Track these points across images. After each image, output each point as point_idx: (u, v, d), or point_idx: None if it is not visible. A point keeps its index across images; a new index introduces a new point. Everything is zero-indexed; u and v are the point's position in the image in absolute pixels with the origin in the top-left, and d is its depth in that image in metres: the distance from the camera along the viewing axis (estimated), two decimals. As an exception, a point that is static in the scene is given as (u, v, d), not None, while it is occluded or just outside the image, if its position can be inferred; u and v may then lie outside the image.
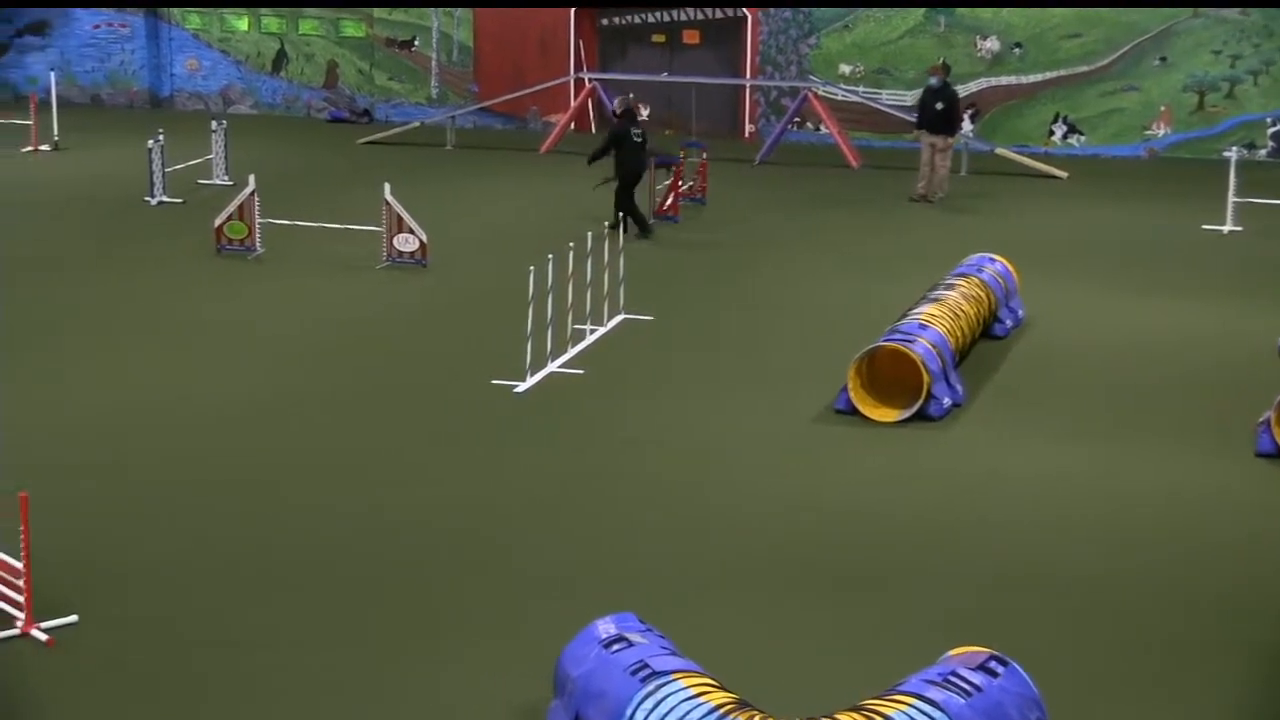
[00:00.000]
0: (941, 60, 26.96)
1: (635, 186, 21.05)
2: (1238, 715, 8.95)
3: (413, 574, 10.67)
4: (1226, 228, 22.34)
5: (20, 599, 9.60)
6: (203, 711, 8.84)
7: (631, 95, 23.43)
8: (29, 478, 11.22)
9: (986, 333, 16.33)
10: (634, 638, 8.24)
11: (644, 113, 30.19)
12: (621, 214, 20.84)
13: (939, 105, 23.94)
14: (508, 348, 15.17)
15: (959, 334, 14.94)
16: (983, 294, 16.10)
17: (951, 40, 28.93)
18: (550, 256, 15.43)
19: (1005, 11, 28.67)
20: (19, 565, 9.55)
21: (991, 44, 28.92)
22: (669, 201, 22.37)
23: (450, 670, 9.33)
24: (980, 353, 15.93)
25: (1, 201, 22.94)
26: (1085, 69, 28.63)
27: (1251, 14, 27.85)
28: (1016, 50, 28.84)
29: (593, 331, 16.29)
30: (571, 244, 16.46)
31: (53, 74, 29.64)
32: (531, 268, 14.91)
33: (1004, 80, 28.96)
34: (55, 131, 27.26)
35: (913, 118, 27.22)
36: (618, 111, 21.99)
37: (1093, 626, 10.05)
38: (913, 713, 7.52)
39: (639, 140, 21.03)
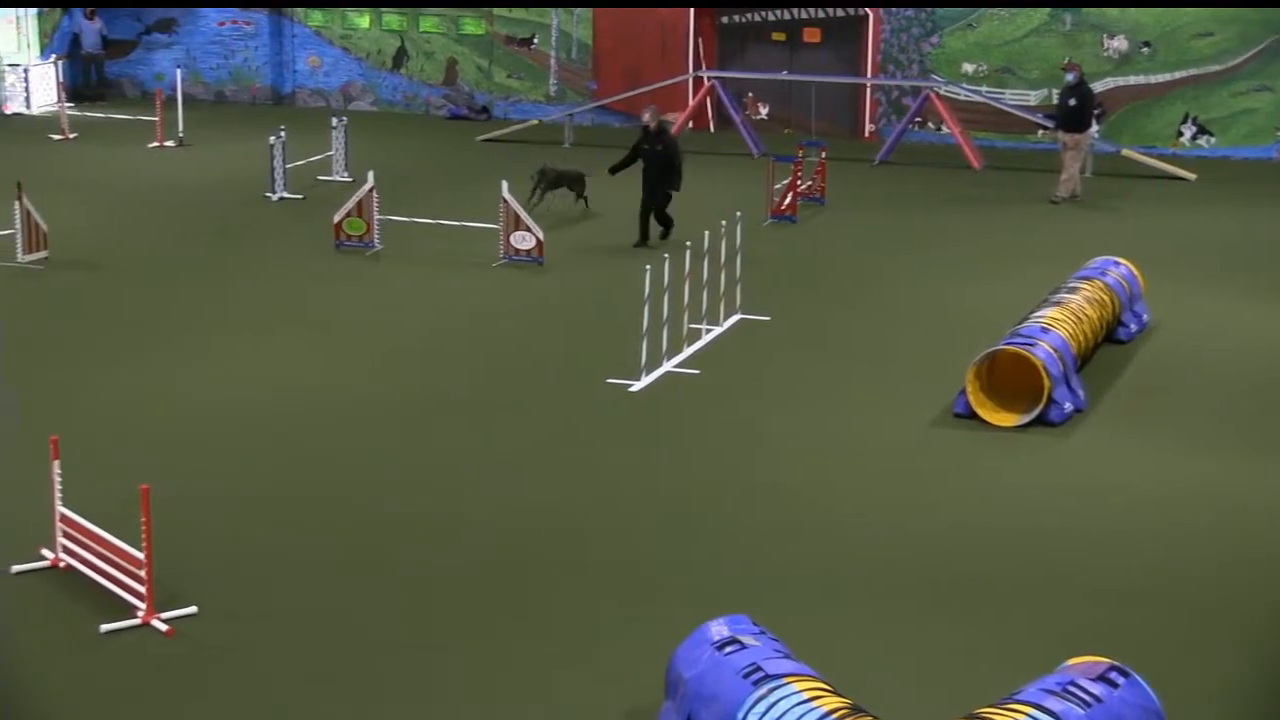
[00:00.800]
0: (1067, 59, 26.65)
1: (652, 199, 20.57)
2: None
3: (527, 573, 10.73)
4: (1361, 232, 21.87)
5: (142, 589, 9.78)
6: (320, 704, 8.95)
7: (655, 108, 21.87)
8: (151, 470, 11.42)
9: (1110, 337, 16.12)
10: (747, 640, 8.23)
11: (762, 111, 30.09)
12: (650, 225, 20.55)
13: (1071, 101, 23.68)
14: (623, 347, 15.21)
15: (1081, 338, 14.77)
16: (1106, 298, 15.90)
17: (1078, 39, 28.57)
18: (666, 256, 15.45)
19: (1133, 10, 28.26)
20: (141, 556, 9.73)
21: (1119, 43, 28.52)
22: (787, 201, 22.30)
23: (564, 671, 9.38)
24: (1103, 357, 15.73)
25: (127, 197, 23.36)
26: (1216, 68, 28.14)
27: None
28: (1145, 49, 28.41)
29: (709, 331, 16.29)
30: (688, 243, 16.47)
31: (179, 71, 30.15)
32: (648, 266, 14.94)
33: (1131, 80, 28.55)
34: (180, 128, 27.70)
35: (1040, 118, 26.96)
36: (650, 126, 20.88)
37: (1215, 638, 9.89)
38: (1030, 723, 7.45)
39: (654, 152, 20.44)
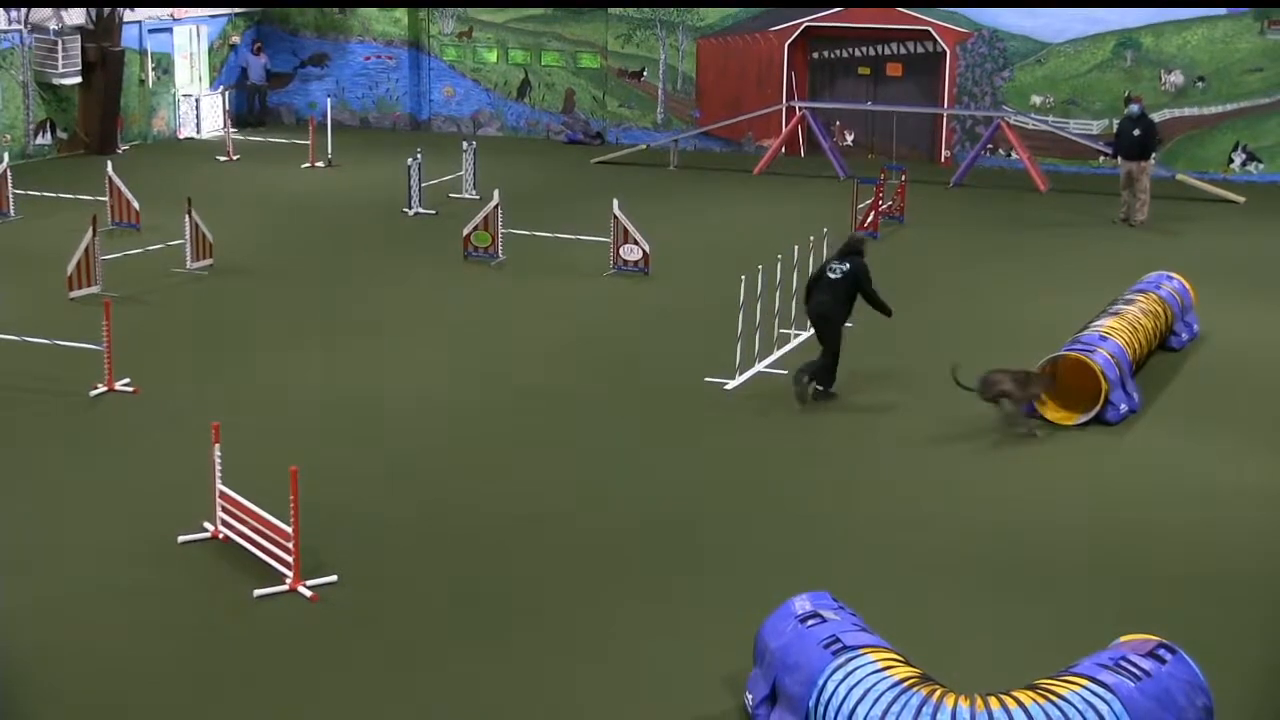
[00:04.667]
0: (1127, 93, 26.28)
1: (817, 334, 14.52)
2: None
3: (632, 551, 10.75)
4: (1399, 251, 21.36)
5: (289, 559, 9.90)
6: (444, 667, 9.02)
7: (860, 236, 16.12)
8: (300, 453, 11.56)
9: (1163, 345, 15.87)
10: (828, 614, 8.19)
11: (848, 138, 29.93)
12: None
13: (1136, 132, 23.30)
14: (719, 348, 15.18)
15: (1137, 346, 14.55)
16: (1160, 309, 15.65)
17: (1138, 74, 28.13)
18: (759, 267, 15.40)
19: (1190, 46, 27.76)
20: (289, 529, 9.85)
21: (1176, 78, 28.04)
22: (869, 219, 22.16)
23: (664, 639, 9.38)
24: (1156, 363, 15.48)
25: (283, 211, 23.65)
26: (1266, 101, 27.59)
27: None
28: (1199, 84, 27.93)
29: (796, 336, 16.21)
30: (779, 256, 16.41)
31: (329, 100, 30.50)
32: (743, 276, 14.90)
33: (1187, 111, 28.06)
34: (330, 150, 28.01)
35: (1101, 145, 26.58)
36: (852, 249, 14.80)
37: (1258, 621, 9.71)
38: (1085, 694, 7.35)
39: (834, 277, 14.31)
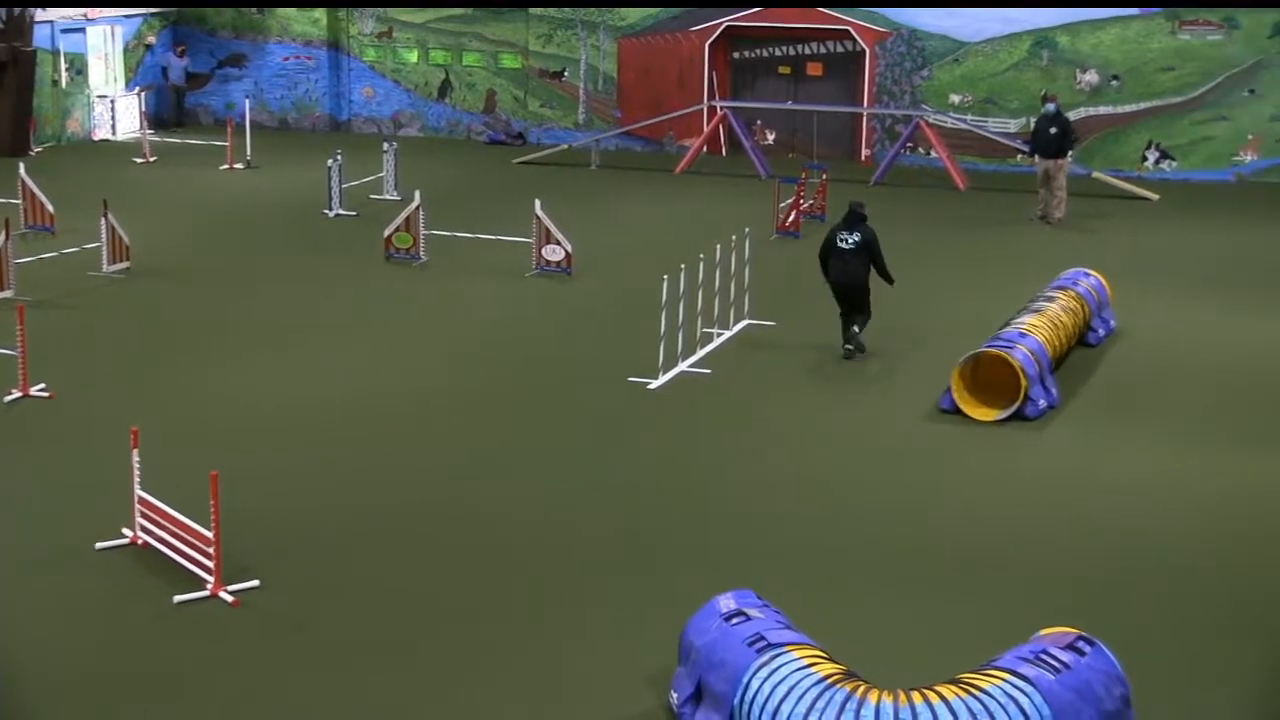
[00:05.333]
0: (1043, 92, 26.63)
1: (844, 300, 15.53)
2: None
3: (555, 551, 10.73)
4: (1309, 247, 21.78)
5: (210, 564, 9.80)
6: (367, 669, 8.96)
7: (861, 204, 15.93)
8: (220, 458, 11.45)
9: (1081, 341, 16.06)
10: (752, 612, 8.22)
11: (769, 137, 30.05)
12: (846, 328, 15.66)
13: (1052, 130, 23.56)
14: (643, 348, 15.19)
15: (1056, 342, 14.72)
16: (1078, 305, 15.85)
17: (1054, 74, 28.46)
18: (682, 266, 15.43)
19: (1104, 46, 28.13)
20: (210, 535, 9.75)
21: (1091, 77, 28.40)
22: (791, 218, 22.27)
23: (588, 639, 9.38)
24: (1074, 359, 15.67)
25: (201, 214, 23.40)
26: (1178, 100, 28.02)
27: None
28: (1114, 83, 28.31)
29: (719, 335, 16.26)
30: (701, 255, 16.45)
31: (247, 101, 30.21)
32: (665, 276, 14.93)
33: (1102, 110, 28.43)
34: (249, 152, 27.75)
35: (1019, 144, 26.86)
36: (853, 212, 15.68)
37: (1173, 611, 9.85)
38: (1007, 687, 7.43)
39: (846, 247, 15.32)
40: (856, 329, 15.46)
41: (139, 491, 10.47)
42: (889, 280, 15.61)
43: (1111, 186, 26.05)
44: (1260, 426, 13.64)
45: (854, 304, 15.44)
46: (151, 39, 32.13)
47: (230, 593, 9.77)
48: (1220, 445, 13.10)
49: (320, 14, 32.40)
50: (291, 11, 32.62)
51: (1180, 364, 15.70)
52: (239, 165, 27.54)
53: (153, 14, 32.02)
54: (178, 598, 9.72)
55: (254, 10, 32.62)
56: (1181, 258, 21.17)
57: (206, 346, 15.83)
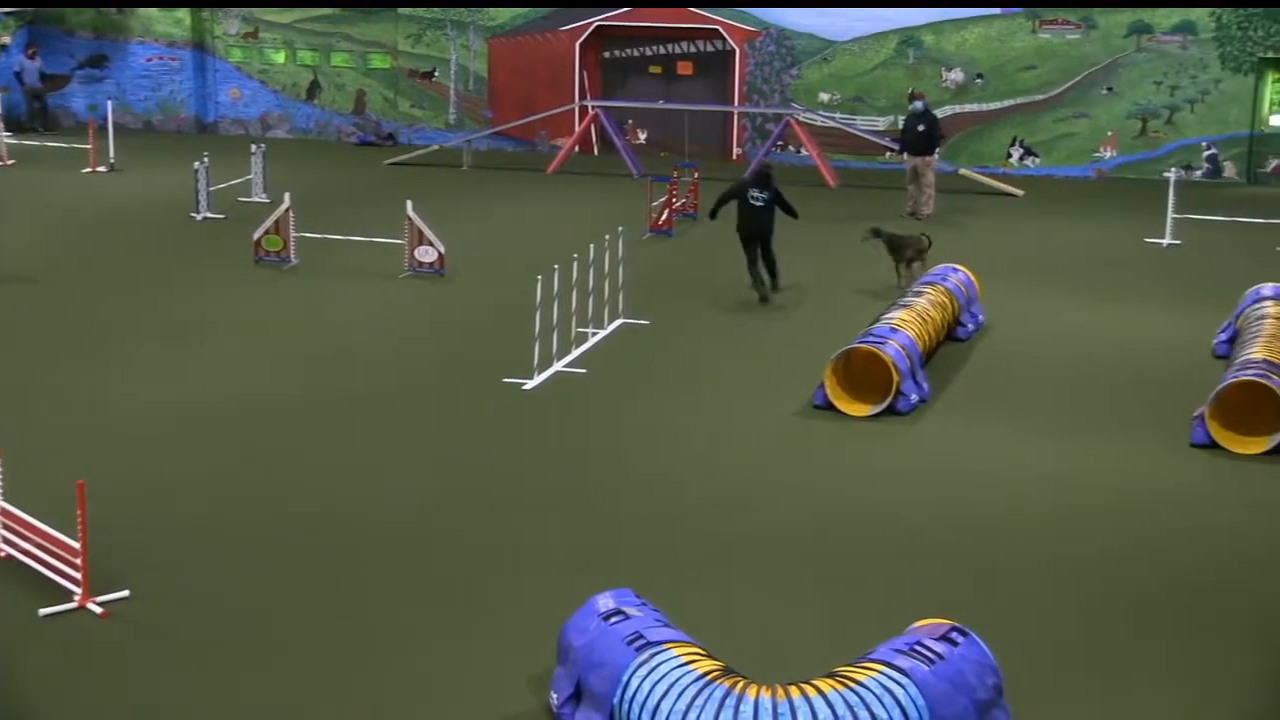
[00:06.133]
0: (910, 90, 27.04)
1: (753, 248, 18.28)
2: (1168, 683, 8.96)
3: (431, 552, 10.66)
4: (1166, 241, 22.33)
5: (78, 575, 9.59)
6: (243, 675, 8.83)
7: (768, 163, 20.24)
8: (86, 467, 11.21)
9: (950, 335, 16.31)
10: (631, 611, 8.23)
11: (641, 137, 30.11)
12: (756, 274, 18.33)
13: (920, 127, 23.91)
14: (518, 349, 15.15)
15: (926, 337, 14.94)
16: (947, 300, 16.09)
17: (921, 72, 28.90)
18: (555, 266, 15.41)
19: (968, 44, 28.64)
20: (76, 545, 9.54)
21: (956, 75, 28.88)
22: (664, 217, 22.35)
23: (465, 640, 9.32)
24: (944, 354, 15.91)
25: (63, 218, 22.90)
26: (1040, 98, 28.61)
27: (1190, 48, 27.84)
28: (979, 81, 28.81)
29: (594, 334, 16.27)
30: (575, 255, 16.45)
31: (110, 103, 29.60)
32: (539, 276, 14.90)
33: (968, 108, 28.93)
34: (112, 154, 27.20)
35: (887, 141, 27.23)
36: (754, 173, 19.33)
37: (1043, 600, 10.04)
38: (882, 679, 7.51)
39: (757, 204, 18.16)
40: (773, 276, 18.25)
41: (1, 503, 10.20)
42: (794, 215, 18.58)
43: (978, 183, 26.51)
44: (1120, 416, 13.96)
45: (764, 247, 18.28)
46: (5, 39, 31.35)
47: (99, 604, 9.57)
48: (1083, 434, 13.38)
49: (183, 14, 31.87)
50: (153, 11, 32.05)
51: (1046, 358, 16.02)
52: (102, 168, 26.99)
53: (7, 13, 31.24)
54: (44, 611, 9.49)
55: (114, 10, 31.97)
56: (1046, 252, 21.61)
57: (72, 353, 15.48)
